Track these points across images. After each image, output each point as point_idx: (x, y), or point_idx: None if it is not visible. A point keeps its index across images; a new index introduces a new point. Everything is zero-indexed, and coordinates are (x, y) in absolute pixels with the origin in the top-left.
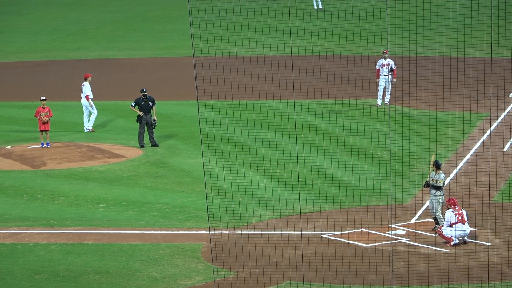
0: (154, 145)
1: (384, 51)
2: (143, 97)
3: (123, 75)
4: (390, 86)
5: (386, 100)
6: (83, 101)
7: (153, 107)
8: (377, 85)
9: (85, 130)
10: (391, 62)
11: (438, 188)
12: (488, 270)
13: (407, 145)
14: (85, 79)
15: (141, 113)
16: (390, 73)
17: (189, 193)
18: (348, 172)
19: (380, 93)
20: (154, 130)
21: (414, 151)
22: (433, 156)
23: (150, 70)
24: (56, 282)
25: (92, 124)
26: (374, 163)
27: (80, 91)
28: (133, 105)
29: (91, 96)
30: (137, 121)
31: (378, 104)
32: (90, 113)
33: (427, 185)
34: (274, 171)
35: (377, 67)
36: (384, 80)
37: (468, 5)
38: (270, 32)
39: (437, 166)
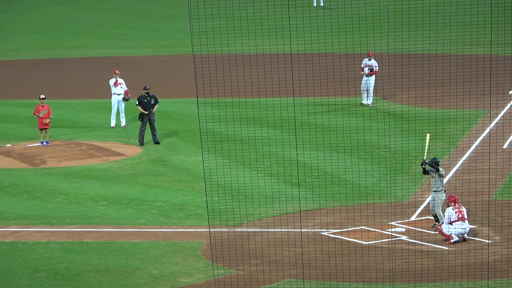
0: (156, 142)
1: (370, 53)
2: (146, 95)
3: (123, 73)
4: (372, 88)
5: (369, 101)
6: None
7: (156, 105)
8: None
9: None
10: (374, 63)
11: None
12: (488, 268)
13: (406, 143)
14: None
15: (144, 112)
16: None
17: (189, 191)
18: (347, 170)
19: (363, 93)
20: (156, 128)
21: (413, 149)
22: (427, 137)
23: (150, 68)
24: (56, 280)
25: (113, 122)
26: (373, 160)
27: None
28: (137, 103)
29: (112, 91)
30: (139, 119)
31: (362, 103)
32: (118, 110)
33: (425, 170)
34: (274, 169)
35: (362, 65)
36: (365, 80)
37: (468, 2)
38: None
39: (436, 163)
